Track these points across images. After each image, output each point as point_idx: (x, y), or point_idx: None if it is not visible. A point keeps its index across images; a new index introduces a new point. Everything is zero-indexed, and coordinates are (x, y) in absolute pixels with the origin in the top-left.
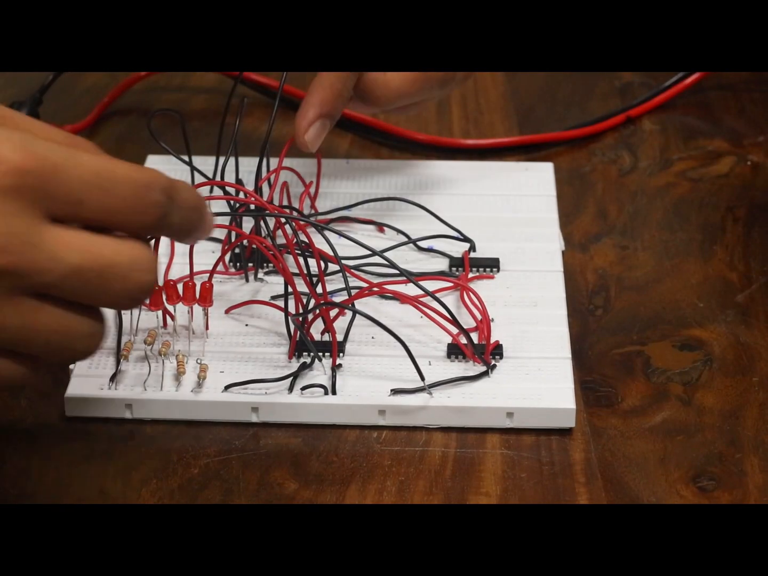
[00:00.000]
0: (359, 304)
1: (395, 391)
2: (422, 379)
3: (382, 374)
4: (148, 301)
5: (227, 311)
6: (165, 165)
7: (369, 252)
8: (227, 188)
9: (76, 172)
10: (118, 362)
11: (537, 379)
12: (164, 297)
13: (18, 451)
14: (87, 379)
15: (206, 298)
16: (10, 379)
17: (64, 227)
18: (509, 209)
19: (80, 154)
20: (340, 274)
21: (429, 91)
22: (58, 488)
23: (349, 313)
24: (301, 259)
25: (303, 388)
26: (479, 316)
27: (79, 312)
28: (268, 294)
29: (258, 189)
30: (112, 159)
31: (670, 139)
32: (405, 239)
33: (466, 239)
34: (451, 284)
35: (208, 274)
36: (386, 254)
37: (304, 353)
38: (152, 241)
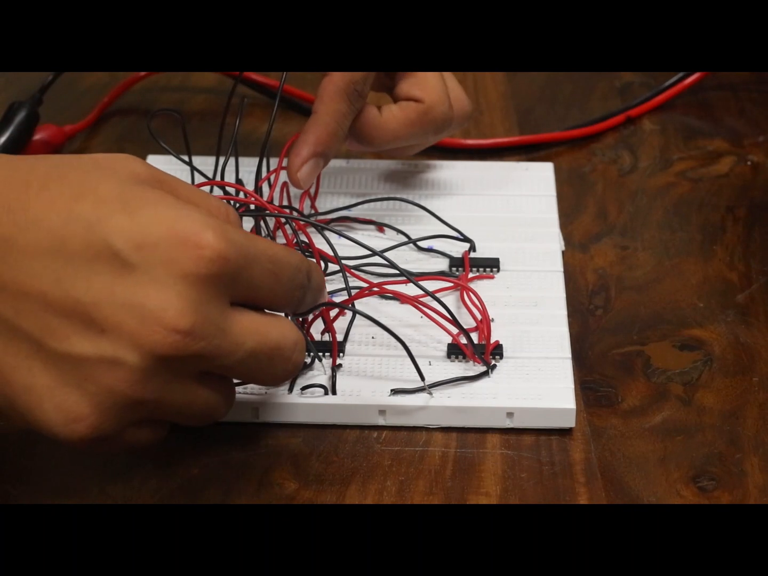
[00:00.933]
0: (359, 304)
1: (395, 391)
2: (422, 379)
3: (382, 374)
4: None
5: None
6: (165, 165)
7: (369, 252)
8: (227, 188)
9: (260, 260)
10: None
11: (537, 379)
12: None
13: (18, 451)
14: None
15: None
16: (145, 443)
17: (240, 311)
18: (509, 209)
19: (257, 240)
20: (340, 274)
21: (424, 135)
22: (58, 488)
23: (349, 313)
24: None
25: (303, 388)
26: (479, 316)
27: (225, 385)
28: None
29: (258, 189)
30: (271, 242)
31: (670, 139)
32: (405, 239)
33: (466, 239)
34: (451, 284)
35: None
36: (386, 254)
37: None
38: None
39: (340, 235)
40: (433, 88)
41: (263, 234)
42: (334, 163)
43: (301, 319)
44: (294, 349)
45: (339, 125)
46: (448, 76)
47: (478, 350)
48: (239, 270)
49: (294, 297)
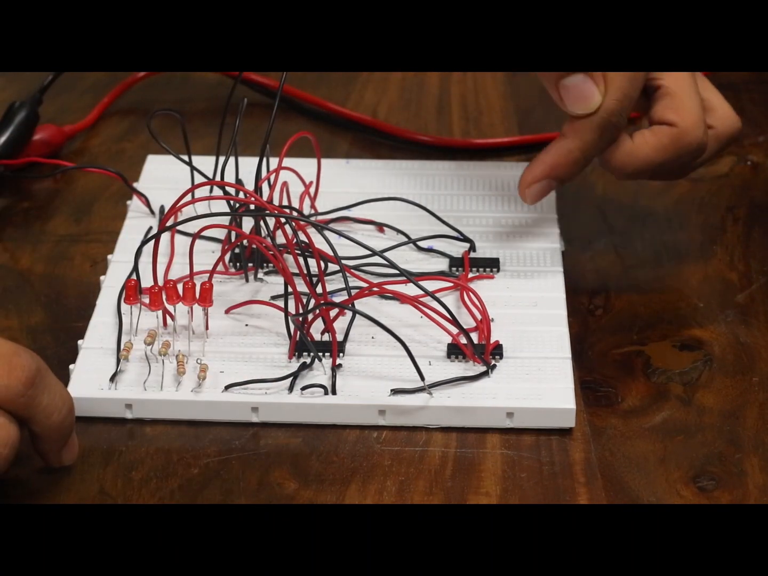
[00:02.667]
0: (359, 304)
1: (395, 391)
2: (422, 379)
3: (382, 374)
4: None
5: (227, 311)
6: (165, 165)
7: (369, 252)
8: (227, 188)
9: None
10: (118, 362)
11: (537, 379)
12: (164, 297)
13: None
14: (87, 379)
15: (206, 298)
16: None
17: None
18: (509, 209)
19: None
20: (340, 274)
21: (678, 161)
22: (58, 488)
23: (349, 313)
24: (301, 259)
25: (303, 388)
26: (479, 316)
27: None
28: (268, 294)
29: (258, 189)
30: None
31: None
32: (405, 239)
33: (466, 239)
34: (451, 284)
35: (208, 274)
36: (386, 254)
37: (304, 353)
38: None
39: (340, 235)
40: (688, 111)
41: (263, 234)
42: (334, 163)
43: (301, 318)
44: None
45: (584, 155)
46: (713, 93)
47: (478, 350)
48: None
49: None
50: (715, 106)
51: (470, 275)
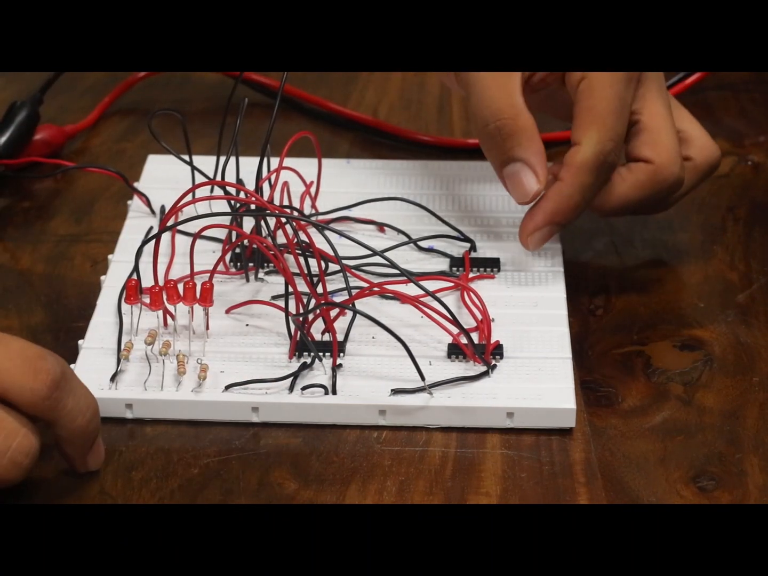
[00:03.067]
0: (359, 304)
1: (395, 391)
2: (422, 379)
3: (383, 374)
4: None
5: (227, 311)
6: (165, 165)
7: (369, 252)
8: (228, 188)
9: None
10: (118, 362)
11: (537, 379)
12: (164, 297)
13: None
14: (87, 379)
15: (206, 298)
16: None
17: None
18: (509, 209)
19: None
20: (341, 274)
21: (654, 198)
22: (58, 488)
23: (349, 313)
24: (301, 259)
25: (303, 388)
26: (479, 316)
27: None
28: (268, 294)
29: (258, 189)
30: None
31: None
32: (405, 239)
33: (466, 239)
34: (451, 284)
35: (208, 274)
36: (387, 254)
37: (305, 353)
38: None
39: (341, 235)
40: (664, 147)
41: (264, 234)
42: (335, 163)
43: (301, 318)
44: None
45: (583, 198)
46: (691, 124)
47: (479, 350)
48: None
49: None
50: (693, 137)
51: (471, 275)
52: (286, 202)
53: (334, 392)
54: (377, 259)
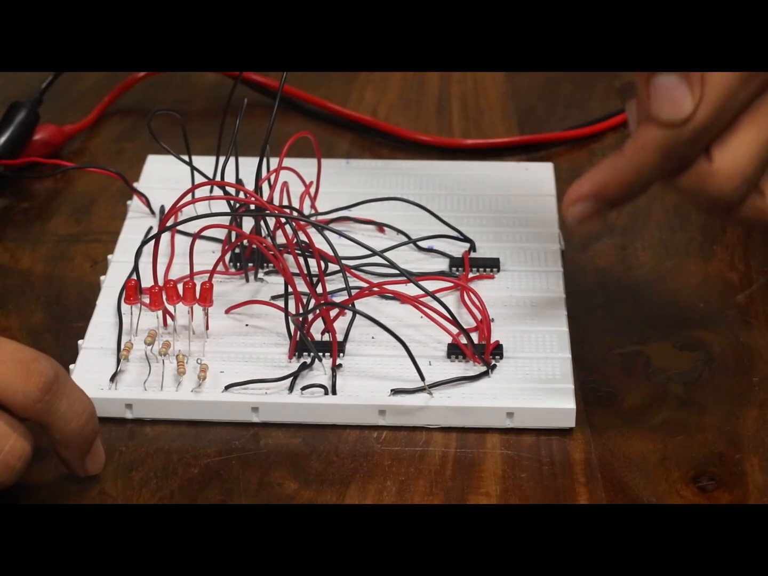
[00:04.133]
0: (359, 304)
1: (395, 391)
2: (422, 379)
3: (382, 374)
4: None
5: (227, 311)
6: (165, 165)
7: (369, 252)
8: (227, 188)
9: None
10: (118, 362)
11: (537, 379)
12: (164, 297)
13: None
14: (87, 379)
15: (206, 298)
16: None
17: None
18: (509, 209)
19: None
20: (340, 274)
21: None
22: (58, 488)
23: (349, 313)
24: (301, 259)
25: (303, 388)
26: (479, 316)
27: None
28: (268, 294)
29: (258, 189)
30: None
31: None
32: (405, 239)
33: (466, 239)
34: (451, 284)
35: (208, 274)
36: (386, 254)
37: (304, 353)
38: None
39: (340, 235)
40: (731, 154)
41: (263, 234)
42: (334, 163)
43: (301, 318)
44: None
45: (639, 178)
46: None
47: (478, 350)
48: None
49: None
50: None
51: (470, 275)
52: (285, 203)
53: (334, 392)
54: (377, 259)
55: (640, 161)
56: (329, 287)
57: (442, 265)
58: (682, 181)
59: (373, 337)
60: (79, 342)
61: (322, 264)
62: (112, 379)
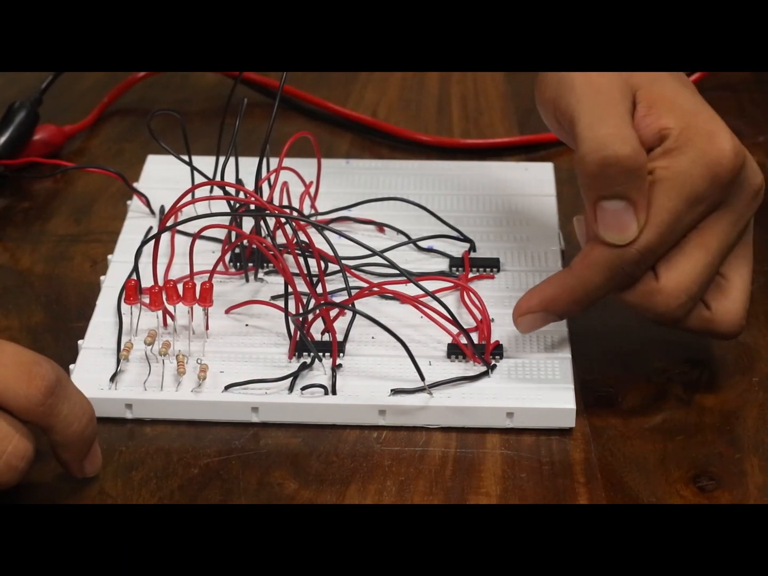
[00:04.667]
0: (359, 304)
1: (395, 391)
2: (422, 379)
3: (382, 374)
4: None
5: (227, 311)
6: (165, 165)
7: (369, 252)
8: (227, 188)
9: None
10: (118, 362)
11: (537, 379)
12: (164, 297)
13: None
14: (87, 379)
15: (206, 298)
16: None
17: None
18: (509, 209)
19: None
20: (340, 274)
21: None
22: (58, 488)
23: (349, 313)
24: (301, 259)
25: (303, 388)
26: (479, 316)
27: None
28: (268, 294)
29: (258, 189)
30: None
31: None
32: (405, 239)
33: (466, 239)
34: (451, 284)
35: (208, 274)
36: (386, 254)
37: (304, 353)
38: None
39: (340, 235)
40: (732, 303)
41: (263, 234)
42: (334, 163)
43: (301, 318)
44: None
45: (586, 296)
46: (742, 279)
47: (478, 350)
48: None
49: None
50: (732, 293)
51: (470, 275)
52: (285, 203)
53: (334, 392)
54: (377, 259)
55: (587, 279)
56: (329, 287)
57: (442, 265)
58: (628, 297)
59: (373, 337)
60: (79, 342)
61: (322, 264)
62: (112, 379)
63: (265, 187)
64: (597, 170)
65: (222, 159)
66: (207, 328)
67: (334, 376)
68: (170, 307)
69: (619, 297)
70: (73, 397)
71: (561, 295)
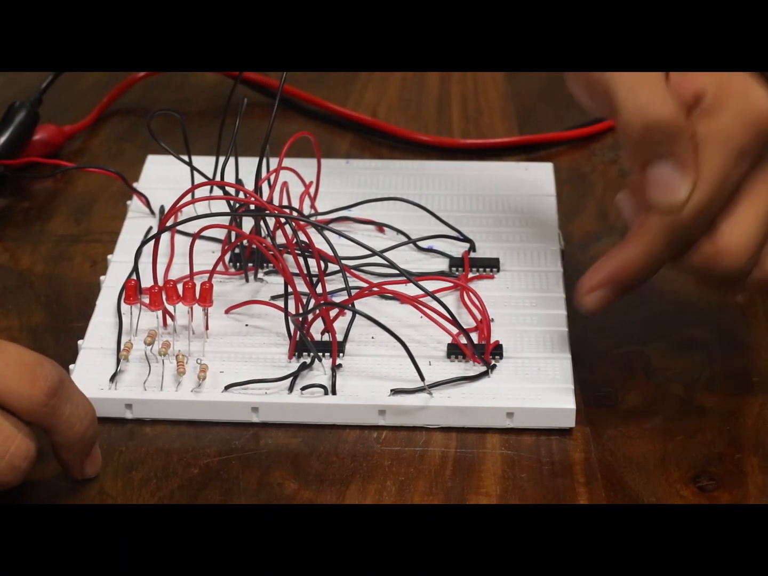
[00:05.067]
0: (359, 304)
1: (395, 391)
2: (422, 379)
3: (382, 374)
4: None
5: (227, 311)
6: (165, 165)
7: (369, 252)
8: (227, 188)
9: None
10: (118, 362)
11: (537, 379)
12: (164, 297)
13: None
14: (87, 379)
15: (206, 298)
16: None
17: None
18: (509, 209)
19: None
20: (340, 274)
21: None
22: (58, 488)
23: (349, 313)
24: (301, 259)
25: (303, 388)
26: (479, 316)
27: None
28: (268, 294)
29: (258, 189)
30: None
31: None
32: (405, 239)
33: (466, 239)
34: (451, 284)
35: (208, 274)
36: (386, 254)
37: (304, 353)
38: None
39: (340, 235)
40: (734, 235)
41: (263, 234)
42: (334, 163)
43: (301, 318)
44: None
45: (650, 264)
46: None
47: (478, 350)
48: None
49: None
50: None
51: (470, 275)
52: (285, 203)
53: (334, 392)
54: (377, 259)
55: (647, 247)
56: (329, 287)
57: (442, 265)
58: (690, 262)
59: (373, 337)
60: (79, 342)
61: (322, 264)
62: (112, 379)
63: (265, 187)
64: (642, 135)
65: (222, 159)
66: (207, 328)
67: (334, 376)
68: (170, 307)
69: (681, 263)
70: (75, 398)
71: (625, 267)
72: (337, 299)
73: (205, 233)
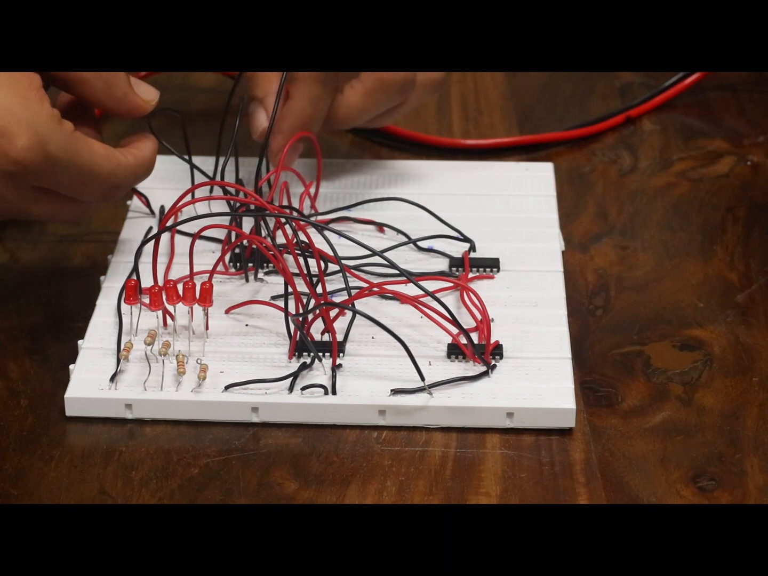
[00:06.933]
0: (359, 304)
1: (395, 391)
2: (422, 379)
3: (382, 374)
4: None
5: (227, 311)
6: (165, 165)
7: (369, 252)
8: (227, 188)
9: (69, 172)
10: (118, 362)
11: (537, 379)
12: (164, 297)
13: (18, 451)
14: (87, 379)
15: (206, 298)
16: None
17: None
18: (509, 209)
19: (79, 154)
20: (340, 274)
21: (390, 101)
22: (58, 488)
23: (349, 313)
24: (301, 259)
25: (303, 388)
26: (479, 316)
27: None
28: (268, 294)
29: (258, 189)
30: (94, 155)
31: (670, 139)
32: (405, 239)
33: (466, 239)
34: (451, 284)
35: (208, 275)
36: (386, 254)
37: (304, 353)
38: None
39: (340, 235)
40: None
41: (263, 234)
42: (335, 163)
43: (301, 318)
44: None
45: (315, 109)
46: None
47: (478, 350)
48: (39, 173)
49: (102, 197)
50: None
51: (470, 275)
52: (285, 203)
53: (334, 392)
54: (377, 259)
55: (307, 95)
56: (329, 287)
57: (442, 265)
58: (341, 109)
59: (373, 337)
60: (79, 342)
61: (322, 264)
62: (112, 379)
63: (265, 187)
64: None
65: (222, 159)
66: (207, 328)
67: (334, 376)
68: (170, 307)
69: (364, 105)
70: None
71: (297, 120)
72: (337, 299)
73: (205, 233)
